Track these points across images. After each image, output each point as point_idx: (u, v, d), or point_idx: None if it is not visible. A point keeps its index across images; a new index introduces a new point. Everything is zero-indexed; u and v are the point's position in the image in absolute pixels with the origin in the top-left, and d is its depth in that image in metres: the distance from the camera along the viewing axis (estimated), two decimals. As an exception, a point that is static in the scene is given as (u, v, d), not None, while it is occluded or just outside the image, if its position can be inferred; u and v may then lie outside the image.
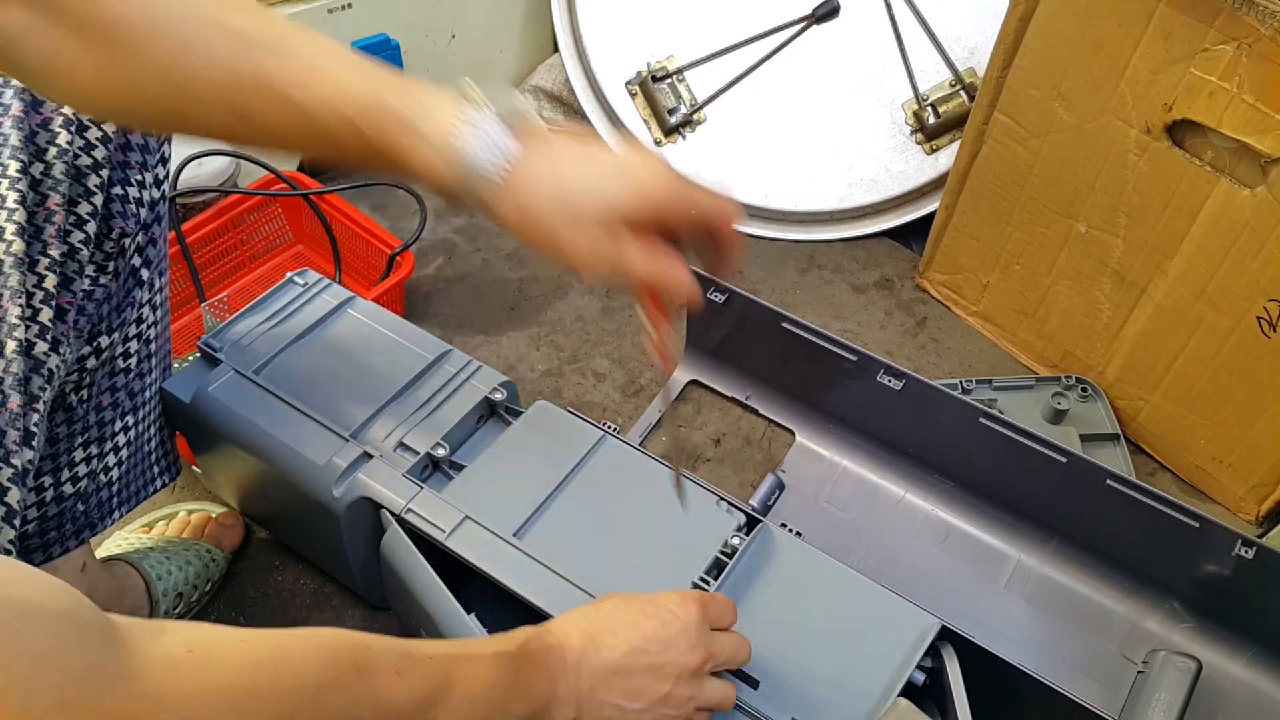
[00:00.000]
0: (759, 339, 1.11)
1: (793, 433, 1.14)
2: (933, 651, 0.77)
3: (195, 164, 1.20)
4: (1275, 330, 0.98)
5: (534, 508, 0.82)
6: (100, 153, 0.64)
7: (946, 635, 0.78)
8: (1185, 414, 1.11)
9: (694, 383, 1.20)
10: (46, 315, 0.59)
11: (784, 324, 1.06)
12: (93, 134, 0.64)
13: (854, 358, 1.03)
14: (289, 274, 0.99)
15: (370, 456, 0.84)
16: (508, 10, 1.51)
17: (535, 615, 0.76)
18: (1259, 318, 0.99)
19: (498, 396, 0.91)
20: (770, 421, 1.16)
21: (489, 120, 0.53)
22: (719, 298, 1.09)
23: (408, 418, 0.88)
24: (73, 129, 0.63)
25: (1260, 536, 1.00)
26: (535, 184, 0.53)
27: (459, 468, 0.87)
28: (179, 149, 1.21)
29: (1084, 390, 1.18)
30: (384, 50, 1.38)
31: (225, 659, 0.44)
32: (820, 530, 1.05)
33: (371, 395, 0.89)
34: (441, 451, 0.86)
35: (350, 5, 1.32)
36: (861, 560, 1.03)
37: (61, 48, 0.50)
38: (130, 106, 0.53)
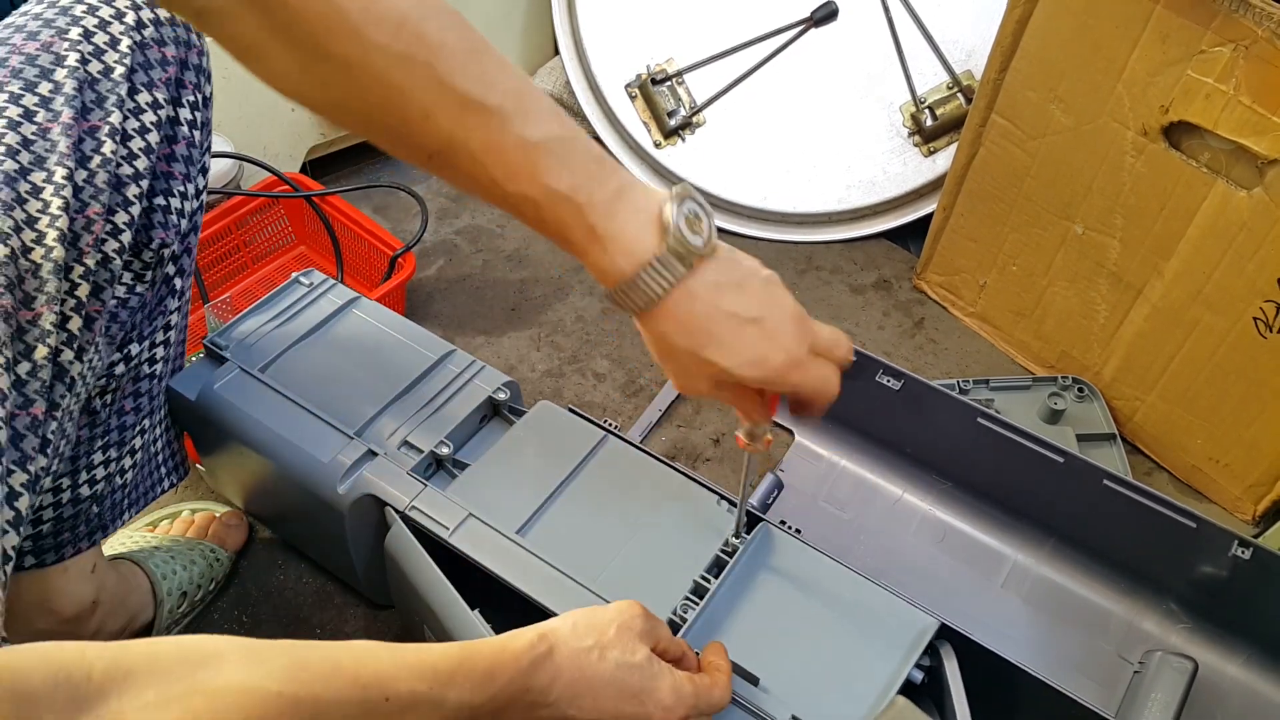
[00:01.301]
0: None
1: (792, 432, 1.15)
2: (931, 650, 0.78)
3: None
4: (1271, 331, 0.99)
5: (537, 506, 0.83)
6: (142, 163, 0.64)
7: (945, 634, 0.79)
8: (1182, 414, 1.11)
9: None
10: (75, 324, 0.60)
11: None
12: (136, 144, 0.64)
13: (852, 357, 1.03)
14: (294, 274, 1.00)
15: (375, 454, 0.85)
16: (508, 13, 1.51)
17: (537, 613, 0.77)
18: (1255, 318, 1.00)
19: (501, 396, 0.92)
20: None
21: (668, 263, 0.54)
22: None
23: (412, 416, 0.88)
24: (118, 138, 0.63)
25: (1257, 536, 1.00)
26: (679, 331, 0.57)
27: (462, 466, 0.87)
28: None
29: (1080, 390, 1.18)
30: (385, 52, 1.39)
31: None
32: (819, 529, 1.05)
33: (376, 394, 0.90)
34: (445, 450, 0.86)
35: (352, 8, 1.33)
36: (860, 559, 1.03)
37: (262, 40, 0.47)
38: (331, 116, 0.52)
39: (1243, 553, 0.89)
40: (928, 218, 1.35)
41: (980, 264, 1.27)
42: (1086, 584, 1.01)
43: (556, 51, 1.49)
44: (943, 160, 1.41)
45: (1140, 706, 0.86)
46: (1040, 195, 1.15)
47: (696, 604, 0.77)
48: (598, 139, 1.47)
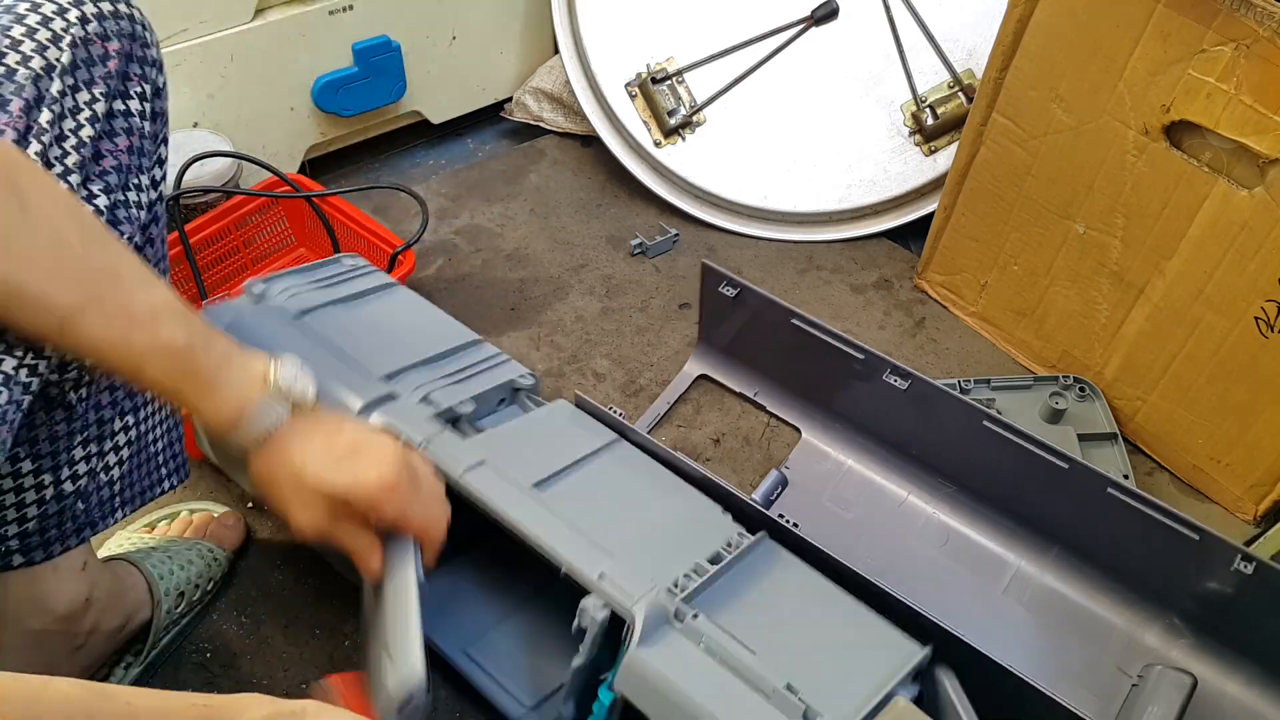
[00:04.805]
0: (768, 336, 1.11)
1: (799, 430, 1.14)
2: (923, 674, 0.76)
3: (198, 164, 1.21)
4: (1273, 330, 0.99)
5: (553, 471, 0.82)
6: (87, 155, 0.64)
7: (945, 650, 0.77)
8: (1183, 414, 1.11)
9: (703, 378, 1.20)
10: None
11: (793, 320, 1.06)
12: (85, 133, 0.64)
13: (861, 356, 1.03)
14: (337, 254, 1.01)
15: (394, 398, 0.84)
16: (508, 11, 1.51)
17: (549, 575, 0.76)
18: (1256, 318, 1.00)
19: (525, 383, 0.92)
20: (777, 418, 1.16)
21: (272, 405, 0.66)
22: (730, 292, 1.09)
23: (436, 380, 0.88)
24: (60, 136, 0.63)
25: (1258, 536, 1.00)
26: (282, 460, 0.67)
27: (479, 431, 0.87)
28: (180, 152, 1.22)
29: (1082, 390, 1.18)
30: (384, 52, 1.39)
31: None
32: (822, 528, 1.05)
33: (404, 354, 0.89)
34: (467, 409, 0.85)
35: (351, 7, 1.33)
36: (862, 560, 1.02)
37: None
38: None
39: (1245, 567, 0.86)
40: (929, 217, 1.35)
41: (981, 263, 1.27)
42: (1089, 594, 0.99)
43: (556, 51, 1.49)
44: (944, 159, 1.41)
45: None
46: (1041, 194, 1.15)
47: (697, 579, 0.75)
48: (597, 138, 1.47)
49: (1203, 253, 1.02)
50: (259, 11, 1.28)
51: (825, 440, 1.13)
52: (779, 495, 1.07)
